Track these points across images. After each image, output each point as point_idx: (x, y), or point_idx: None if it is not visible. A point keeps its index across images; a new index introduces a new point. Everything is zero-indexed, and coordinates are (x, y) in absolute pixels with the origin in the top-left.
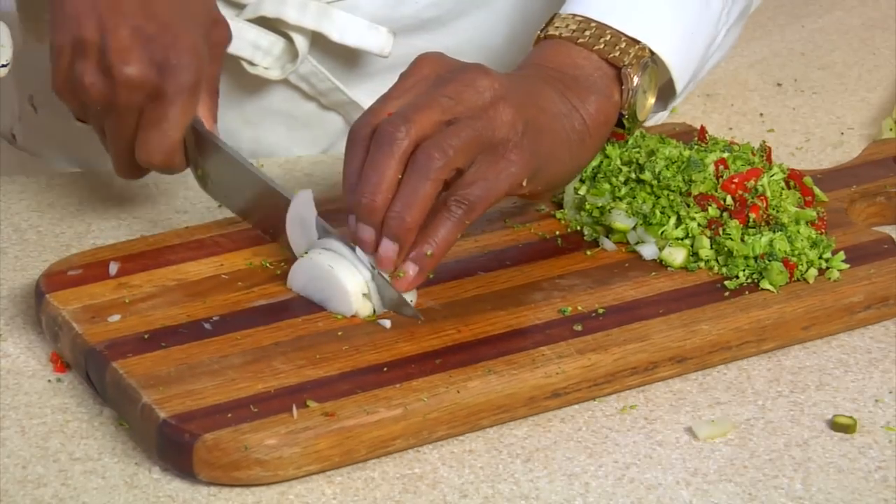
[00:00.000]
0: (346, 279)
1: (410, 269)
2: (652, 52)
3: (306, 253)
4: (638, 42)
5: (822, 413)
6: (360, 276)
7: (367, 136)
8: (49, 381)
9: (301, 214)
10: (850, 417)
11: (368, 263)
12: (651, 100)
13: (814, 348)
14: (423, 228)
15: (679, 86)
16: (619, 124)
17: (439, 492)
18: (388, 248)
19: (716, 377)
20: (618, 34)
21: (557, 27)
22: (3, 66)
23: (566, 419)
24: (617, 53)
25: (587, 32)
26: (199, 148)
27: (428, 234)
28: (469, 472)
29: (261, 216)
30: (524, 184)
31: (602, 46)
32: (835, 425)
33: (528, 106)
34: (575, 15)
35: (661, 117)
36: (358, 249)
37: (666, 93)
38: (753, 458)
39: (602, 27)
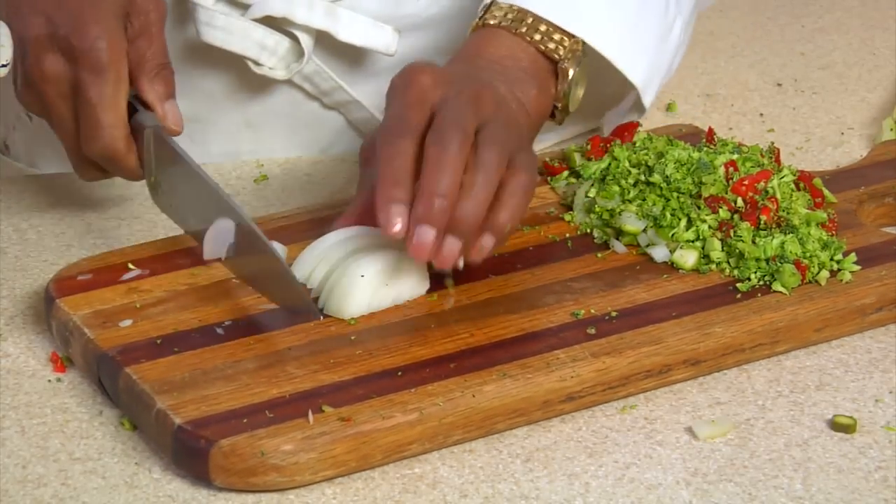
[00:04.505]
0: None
1: (486, 242)
2: (584, 44)
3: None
4: (572, 35)
5: (822, 413)
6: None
7: (406, 141)
8: (49, 381)
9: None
10: (850, 417)
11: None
12: (580, 92)
13: (814, 348)
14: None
15: (637, 80)
16: (550, 115)
17: (439, 492)
18: (455, 246)
19: (716, 377)
20: (552, 27)
21: (496, 16)
22: (3, 66)
23: (566, 419)
24: (552, 46)
25: (524, 23)
26: (156, 153)
27: (499, 204)
28: (469, 472)
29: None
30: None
31: (538, 38)
32: (835, 425)
33: (508, 108)
34: (512, 5)
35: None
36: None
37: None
38: (753, 458)
39: (538, 19)
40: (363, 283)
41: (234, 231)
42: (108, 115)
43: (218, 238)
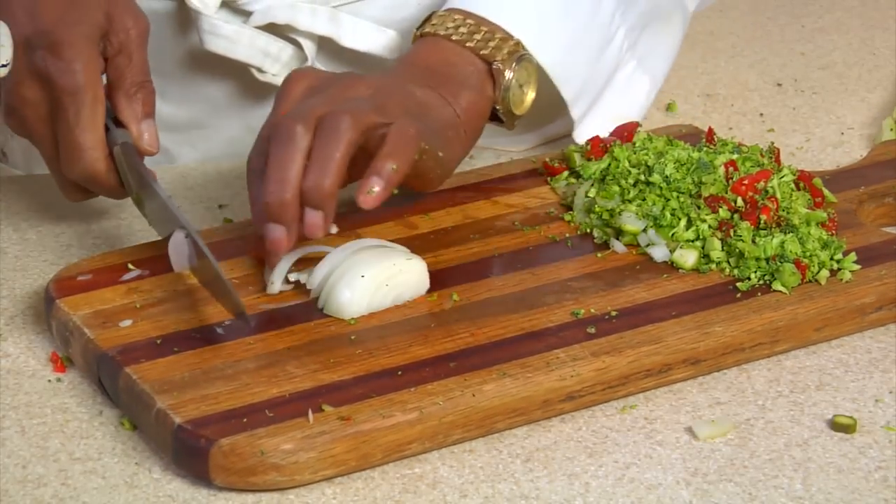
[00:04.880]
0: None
1: (377, 186)
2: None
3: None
4: (511, 37)
5: (822, 413)
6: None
7: (263, 164)
8: (49, 381)
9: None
10: (850, 417)
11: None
12: (530, 94)
13: (814, 348)
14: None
15: (565, 89)
16: (497, 118)
17: (439, 492)
18: (315, 215)
19: (716, 377)
20: (493, 30)
21: (434, 24)
22: (3, 66)
23: (566, 419)
24: (489, 50)
25: (462, 29)
26: (129, 169)
27: (388, 147)
28: (469, 472)
29: None
30: (423, 146)
31: (475, 43)
32: (835, 425)
33: (407, 96)
34: (451, 11)
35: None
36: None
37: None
38: (753, 458)
39: (478, 22)
40: (363, 283)
41: (188, 242)
42: (86, 138)
43: (178, 250)
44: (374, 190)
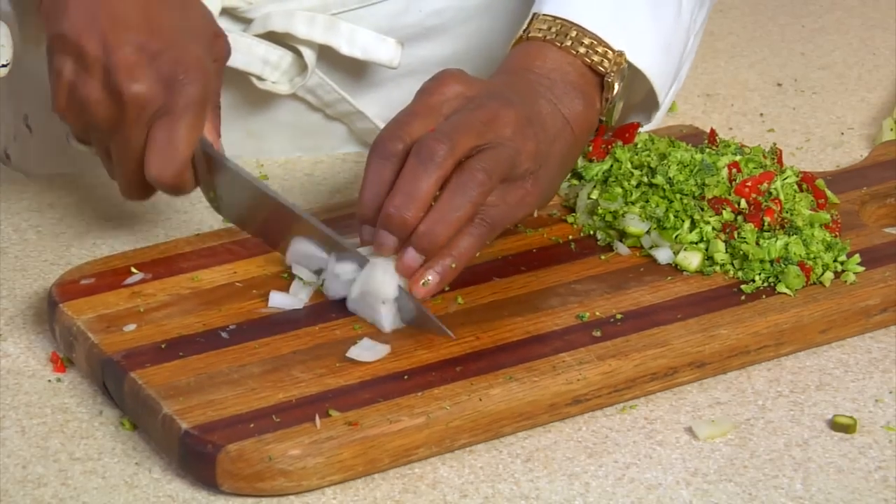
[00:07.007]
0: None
1: (432, 277)
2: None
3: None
4: (614, 49)
5: (822, 413)
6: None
7: (398, 150)
8: (49, 381)
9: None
10: (850, 417)
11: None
12: (620, 105)
13: (814, 348)
14: None
15: (661, 97)
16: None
17: (439, 492)
18: (415, 258)
19: (716, 377)
20: (596, 39)
21: (539, 29)
22: (3, 66)
23: (566, 419)
24: (597, 59)
25: (568, 36)
26: (210, 170)
27: (451, 246)
28: (469, 472)
29: (273, 235)
30: (535, 214)
31: (584, 51)
32: (835, 425)
33: (541, 134)
34: (556, 17)
35: (656, 122)
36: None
37: (645, 103)
38: (753, 458)
39: (582, 31)
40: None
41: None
42: (187, 148)
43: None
44: (428, 281)
